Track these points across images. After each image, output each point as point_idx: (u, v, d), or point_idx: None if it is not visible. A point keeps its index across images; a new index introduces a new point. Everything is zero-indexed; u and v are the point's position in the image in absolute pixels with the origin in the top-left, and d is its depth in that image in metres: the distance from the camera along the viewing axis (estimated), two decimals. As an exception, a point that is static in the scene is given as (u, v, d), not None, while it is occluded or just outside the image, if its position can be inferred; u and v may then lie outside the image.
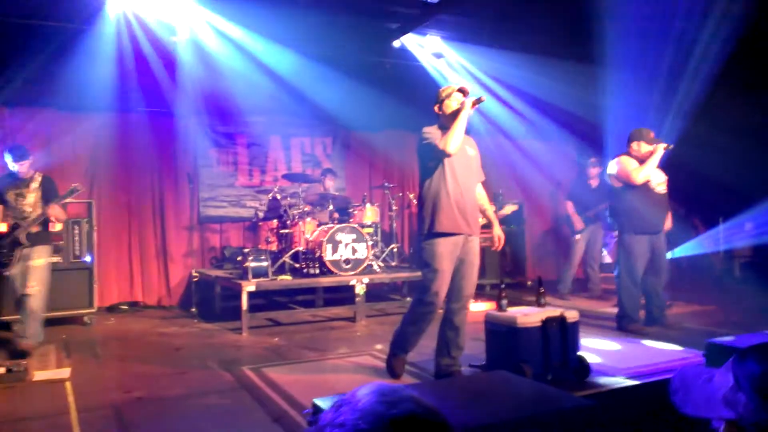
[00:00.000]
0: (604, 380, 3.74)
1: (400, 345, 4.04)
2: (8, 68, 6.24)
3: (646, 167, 5.17)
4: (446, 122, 3.81)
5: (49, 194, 4.82)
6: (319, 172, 7.71)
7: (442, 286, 3.78)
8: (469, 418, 2.40)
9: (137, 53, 6.64)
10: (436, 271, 3.75)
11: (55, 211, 4.71)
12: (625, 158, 5.30)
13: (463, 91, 3.88)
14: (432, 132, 3.82)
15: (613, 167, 5.35)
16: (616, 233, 5.42)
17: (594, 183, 7.70)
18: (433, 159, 3.80)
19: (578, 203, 7.58)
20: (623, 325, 5.32)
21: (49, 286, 4.86)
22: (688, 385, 1.08)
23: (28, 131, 6.77)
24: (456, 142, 3.68)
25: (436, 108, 3.94)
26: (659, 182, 5.37)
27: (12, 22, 5.89)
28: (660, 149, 5.18)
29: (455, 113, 3.75)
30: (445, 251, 3.77)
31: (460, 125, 3.69)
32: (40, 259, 4.72)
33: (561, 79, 7.04)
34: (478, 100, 3.75)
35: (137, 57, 6.66)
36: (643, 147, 5.26)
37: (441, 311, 3.99)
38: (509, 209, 6.94)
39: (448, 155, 3.72)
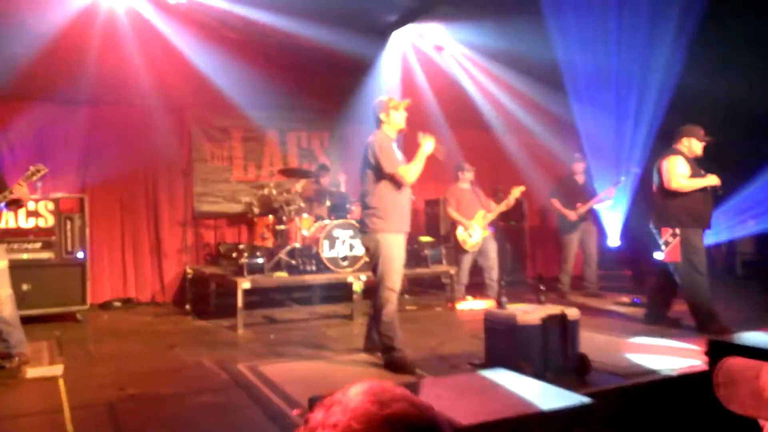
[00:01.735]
0: (604, 378, 3.71)
1: (388, 344, 4.20)
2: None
3: (696, 184, 5.09)
4: (390, 131, 4.32)
5: None
6: (315, 167, 7.65)
7: (399, 272, 4.28)
8: (467, 416, 2.35)
9: (130, 45, 6.58)
10: (394, 259, 4.24)
11: (21, 190, 4.12)
12: (677, 160, 5.18)
13: (408, 105, 4.33)
14: (390, 151, 4.24)
15: (664, 166, 5.23)
16: (676, 231, 5.16)
17: (580, 179, 7.63)
18: (390, 177, 4.24)
19: (565, 201, 7.49)
20: (707, 326, 5.01)
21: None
22: (735, 380, 1.00)
23: (20, 124, 6.70)
24: (416, 177, 4.24)
25: (381, 116, 4.31)
26: None
27: (5, 13, 5.83)
28: (713, 179, 5.10)
29: (418, 152, 4.22)
30: (397, 244, 4.29)
31: (421, 163, 4.23)
32: (2, 261, 4.18)
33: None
34: (438, 150, 4.27)
35: (130, 49, 6.60)
36: (693, 144, 5.19)
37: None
38: (518, 191, 6.93)
39: (405, 184, 4.25)
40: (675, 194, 5.18)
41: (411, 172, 4.20)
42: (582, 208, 7.34)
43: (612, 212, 8.07)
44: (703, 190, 5.16)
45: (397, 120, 4.29)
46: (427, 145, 4.24)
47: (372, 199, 4.28)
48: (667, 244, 5.16)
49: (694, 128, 5.25)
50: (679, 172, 5.14)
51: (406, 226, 4.38)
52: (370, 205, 4.29)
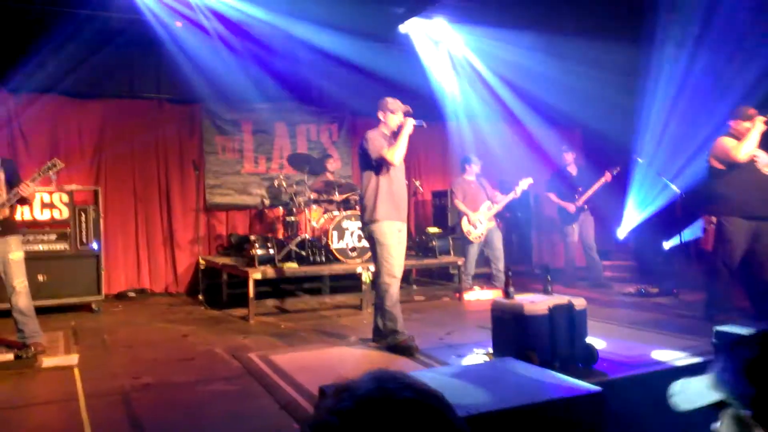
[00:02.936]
0: (611, 368, 3.72)
1: (391, 327, 4.36)
2: (13, 53, 6.23)
3: (746, 142, 4.75)
4: (386, 129, 4.49)
5: (12, 177, 4.34)
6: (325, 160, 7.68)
7: (396, 257, 4.42)
8: (476, 405, 2.39)
9: (144, 39, 6.61)
10: (390, 245, 4.39)
11: (28, 189, 4.21)
12: (724, 138, 4.93)
13: (408, 112, 4.50)
14: (377, 138, 4.41)
15: (713, 149, 5.00)
16: (713, 219, 4.94)
17: (573, 170, 7.63)
18: (378, 161, 4.40)
19: (561, 193, 7.51)
20: (711, 315, 4.87)
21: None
22: (687, 386, 1.08)
23: (33, 117, 6.77)
24: (400, 156, 4.38)
25: (380, 115, 4.51)
26: (765, 163, 4.92)
27: (17, 7, 5.87)
28: (759, 123, 4.76)
29: (399, 130, 4.39)
30: (391, 231, 4.43)
31: (404, 142, 4.35)
32: (18, 252, 4.31)
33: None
34: (420, 125, 4.45)
35: (144, 43, 6.64)
36: (740, 125, 4.89)
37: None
38: (525, 183, 6.94)
39: (392, 165, 4.38)
40: (720, 180, 4.92)
41: (395, 152, 4.33)
42: (581, 199, 7.36)
43: (638, 208, 8.00)
44: (756, 175, 4.85)
45: (393, 122, 4.46)
46: (408, 125, 4.39)
47: (364, 190, 4.49)
48: (704, 231, 5.06)
49: (740, 109, 4.96)
50: (732, 145, 4.82)
51: (401, 214, 4.51)
52: (363, 196, 4.51)
